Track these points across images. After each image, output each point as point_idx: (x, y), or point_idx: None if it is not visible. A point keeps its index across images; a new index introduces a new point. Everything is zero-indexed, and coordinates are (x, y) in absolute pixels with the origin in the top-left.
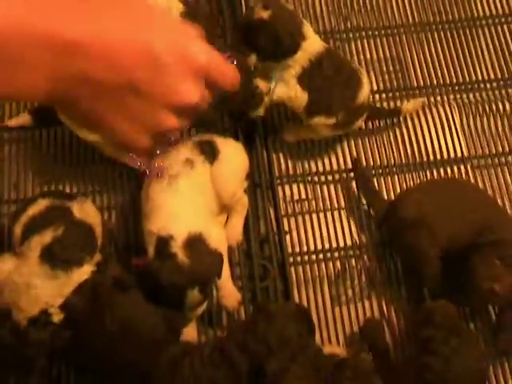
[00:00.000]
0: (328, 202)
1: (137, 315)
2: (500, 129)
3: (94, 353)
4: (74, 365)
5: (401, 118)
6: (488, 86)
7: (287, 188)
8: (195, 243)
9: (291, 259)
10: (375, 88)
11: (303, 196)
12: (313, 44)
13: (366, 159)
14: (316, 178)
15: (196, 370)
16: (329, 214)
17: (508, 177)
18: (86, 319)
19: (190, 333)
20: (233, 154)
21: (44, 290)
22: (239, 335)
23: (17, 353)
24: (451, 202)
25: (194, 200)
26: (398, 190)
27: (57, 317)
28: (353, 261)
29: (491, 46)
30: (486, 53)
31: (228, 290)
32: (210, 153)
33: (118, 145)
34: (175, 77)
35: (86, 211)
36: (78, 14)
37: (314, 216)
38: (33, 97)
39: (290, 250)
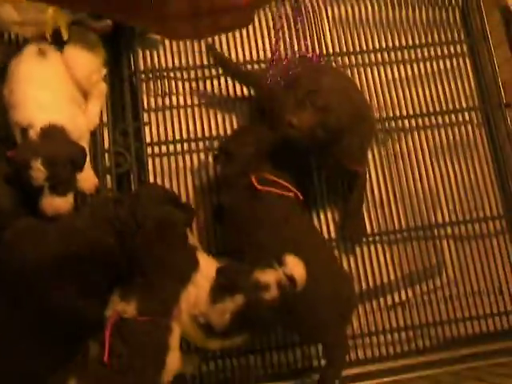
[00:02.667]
0: (190, 98)
1: None
2: None
3: None
4: None
5: None
6: None
7: (151, 83)
8: (53, 132)
9: (151, 150)
10: None
11: (166, 91)
12: None
13: None
14: (179, 74)
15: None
16: (189, 110)
17: None
18: None
19: None
20: (81, 40)
21: None
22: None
23: None
24: None
25: (55, 89)
26: None
27: None
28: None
29: None
30: None
31: (86, 174)
32: (60, 40)
33: None
34: None
35: None
36: None
37: (175, 111)
38: None
39: (149, 140)
